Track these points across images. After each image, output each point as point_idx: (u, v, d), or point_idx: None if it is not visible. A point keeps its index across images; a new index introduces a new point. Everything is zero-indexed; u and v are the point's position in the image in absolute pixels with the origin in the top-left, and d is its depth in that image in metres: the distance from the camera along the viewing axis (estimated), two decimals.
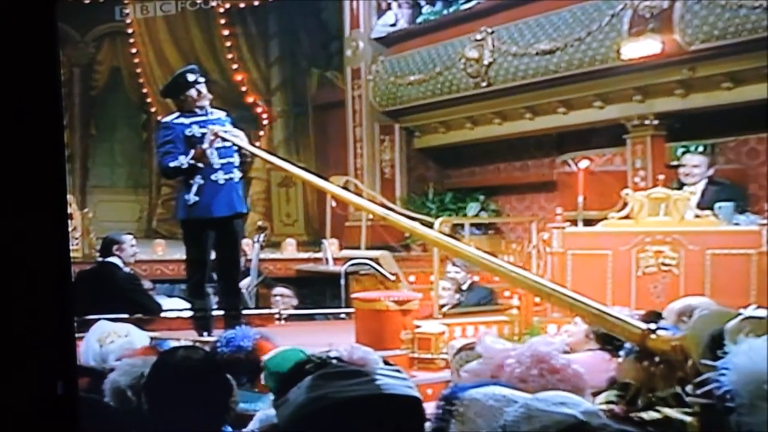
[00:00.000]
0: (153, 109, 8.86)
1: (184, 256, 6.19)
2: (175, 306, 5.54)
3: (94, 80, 9.16)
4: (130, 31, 8.48)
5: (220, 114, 4.24)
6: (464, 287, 4.94)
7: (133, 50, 8.59)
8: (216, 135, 4.01)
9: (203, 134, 4.06)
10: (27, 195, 1.60)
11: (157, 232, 8.74)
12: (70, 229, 5.78)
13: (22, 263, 1.60)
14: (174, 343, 2.61)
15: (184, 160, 4.05)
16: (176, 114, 4.15)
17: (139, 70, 8.67)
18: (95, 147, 9.34)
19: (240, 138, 4.10)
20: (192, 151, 4.03)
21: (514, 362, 1.80)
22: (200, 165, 4.04)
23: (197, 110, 4.12)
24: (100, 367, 2.68)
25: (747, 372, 1.25)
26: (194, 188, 4.06)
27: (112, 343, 2.75)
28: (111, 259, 4.72)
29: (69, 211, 5.92)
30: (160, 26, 8.32)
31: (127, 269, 4.83)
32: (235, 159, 4.14)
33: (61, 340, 1.65)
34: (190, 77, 4.15)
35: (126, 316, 4.17)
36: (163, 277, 6.59)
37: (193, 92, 4.10)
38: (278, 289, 5.82)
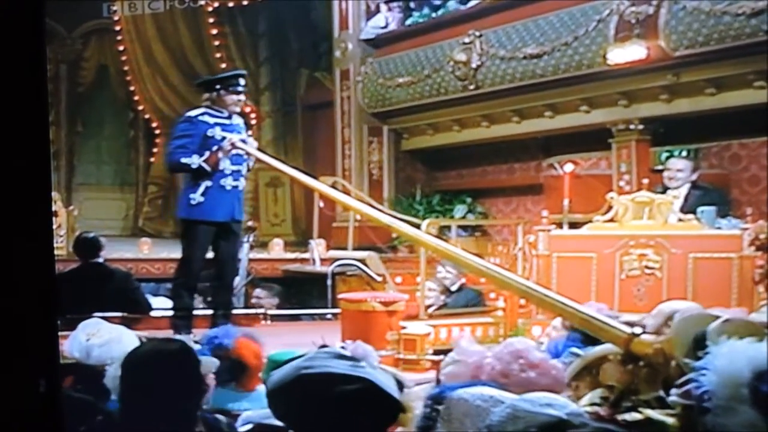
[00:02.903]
0: (140, 107, 8.83)
1: (170, 255, 6.21)
2: (160, 305, 5.54)
3: (81, 77, 9.10)
4: (117, 28, 8.44)
5: (239, 120, 4.24)
6: (453, 288, 4.98)
7: (121, 48, 8.55)
8: (233, 146, 4.02)
9: (223, 138, 4.06)
10: (11, 192, 1.60)
11: (143, 230, 8.71)
12: (54, 226, 5.75)
13: (6, 260, 1.60)
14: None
15: (196, 160, 4.03)
16: (202, 110, 4.13)
17: (126, 68, 8.63)
18: (81, 144, 9.29)
19: (254, 148, 4.11)
20: (207, 153, 4.03)
21: (493, 360, 1.83)
22: (209, 169, 4.04)
23: (224, 113, 4.12)
24: (83, 360, 2.69)
25: (726, 374, 1.27)
26: (201, 189, 4.06)
27: (99, 338, 2.75)
28: (98, 259, 4.70)
29: (54, 208, 5.89)
30: (149, 24, 8.28)
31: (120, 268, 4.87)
32: (244, 168, 4.15)
33: (44, 338, 1.65)
34: (242, 81, 4.17)
35: (114, 315, 4.17)
36: (149, 275, 6.57)
37: (234, 97, 4.11)
38: (257, 291, 5.84)
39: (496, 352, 1.86)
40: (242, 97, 4.17)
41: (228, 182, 4.09)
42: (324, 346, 1.56)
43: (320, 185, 4.08)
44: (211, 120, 4.10)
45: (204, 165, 4.03)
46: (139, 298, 4.77)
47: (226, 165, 4.06)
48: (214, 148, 4.03)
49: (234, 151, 4.05)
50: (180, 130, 4.15)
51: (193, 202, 4.10)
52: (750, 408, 1.24)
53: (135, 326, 3.88)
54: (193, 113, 4.16)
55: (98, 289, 4.40)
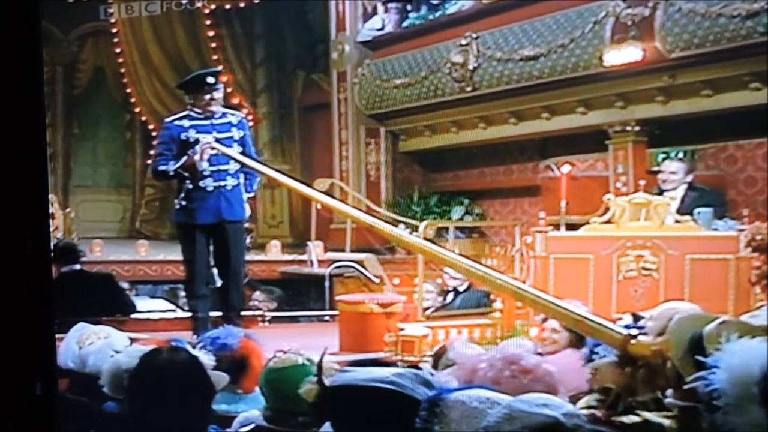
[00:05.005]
0: (137, 110, 8.82)
1: (167, 257, 6.21)
2: (157, 307, 5.53)
3: (77, 79, 9.09)
4: (114, 30, 8.43)
5: (232, 118, 4.17)
6: (461, 289, 4.98)
7: (117, 50, 8.54)
8: (210, 147, 3.97)
9: (197, 139, 4.02)
10: (8, 194, 1.60)
11: (140, 232, 8.71)
12: (51, 228, 5.73)
13: (2, 263, 1.60)
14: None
15: (171, 167, 4.03)
16: (181, 113, 4.13)
17: (123, 70, 8.62)
18: (78, 146, 9.28)
19: (234, 150, 4.03)
20: (183, 158, 4.01)
21: (486, 366, 1.83)
22: (186, 174, 4.02)
23: (204, 113, 4.09)
24: (79, 370, 2.66)
25: (737, 372, 1.27)
26: (183, 193, 4.09)
27: (91, 345, 2.72)
28: (76, 266, 4.63)
29: (51, 210, 5.87)
30: (145, 26, 8.28)
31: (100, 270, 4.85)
32: (231, 167, 4.06)
33: (40, 341, 1.64)
34: (209, 80, 4.11)
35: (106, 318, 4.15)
36: (146, 278, 6.58)
37: (207, 96, 4.06)
38: (256, 294, 5.84)
39: (491, 356, 1.86)
40: (215, 95, 4.09)
41: (209, 183, 4.03)
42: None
43: (303, 187, 4.00)
44: (187, 123, 4.08)
45: (179, 171, 4.02)
46: (124, 299, 4.74)
47: (204, 166, 4.01)
48: (190, 151, 4.01)
49: (212, 152, 3.99)
50: (159, 138, 4.21)
51: (177, 207, 4.14)
52: (759, 407, 1.24)
53: (129, 328, 3.87)
54: (169, 118, 4.17)
55: (81, 297, 4.33)
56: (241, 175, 4.12)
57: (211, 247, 4.20)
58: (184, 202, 4.08)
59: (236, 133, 4.12)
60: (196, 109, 4.11)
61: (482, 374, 1.80)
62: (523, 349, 1.91)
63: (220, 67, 4.52)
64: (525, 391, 1.45)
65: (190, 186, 4.04)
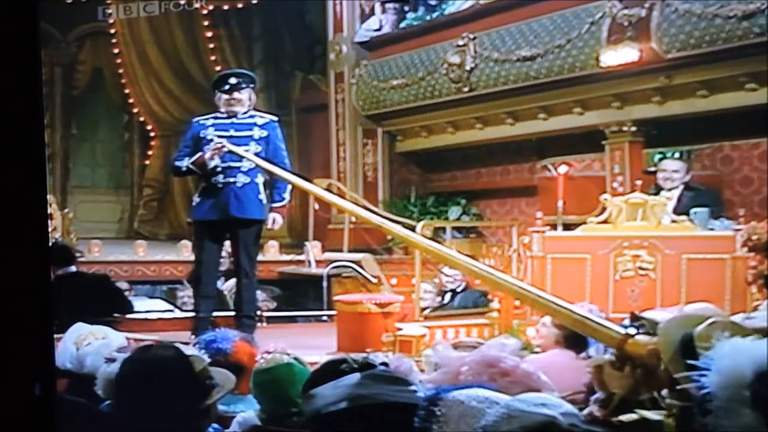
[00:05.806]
0: (135, 110, 8.82)
1: (165, 257, 6.21)
2: (156, 307, 5.53)
3: (75, 80, 9.10)
4: (112, 31, 8.44)
5: (260, 119, 4.15)
6: (458, 289, 4.99)
7: (116, 51, 8.55)
8: (222, 146, 3.98)
9: (212, 139, 4.05)
10: (6, 194, 1.60)
11: (138, 233, 8.70)
12: (50, 229, 5.74)
13: (1, 263, 1.60)
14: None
15: (185, 163, 4.09)
16: (210, 114, 4.16)
17: (121, 71, 8.63)
18: (76, 147, 9.28)
19: (245, 150, 4.01)
20: (196, 156, 4.04)
21: (468, 369, 1.84)
22: (197, 171, 4.06)
23: (228, 113, 4.10)
24: (77, 371, 2.67)
25: (728, 374, 1.26)
26: (198, 190, 4.14)
27: (88, 345, 2.71)
28: (71, 268, 4.60)
29: (49, 211, 5.88)
30: (143, 27, 8.29)
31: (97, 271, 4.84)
32: (243, 164, 4.03)
33: (39, 342, 1.64)
34: (231, 80, 4.12)
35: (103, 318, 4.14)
36: (144, 278, 6.58)
37: (226, 96, 4.08)
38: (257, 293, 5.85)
39: (471, 359, 1.87)
40: (237, 95, 4.10)
41: (219, 180, 4.04)
42: (364, 367, 1.55)
43: (313, 187, 4.05)
44: (210, 121, 4.13)
45: (192, 167, 4.06)
46: (121, 300, 4.73)
47: (214, 163, 4.03)
48: (205, 148, 4.05)
49: (224, 149, 4.00)
50: (183, 135, 4.31)
51: (193, 204, 4.20)
52: (751, 410, 1.24)
53: (127, 328, 3.87)
54: (196, 117, 4.24)
55: (77, 300, 4.32)
56: (259, 175, 4.09)
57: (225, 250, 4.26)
58: (198, 199, 4.12)
59: (257, 133, 4.11)
60: (221, 109, 4.15)
61: (464, 378, 1.80)
62: (507, 349, 1.92)
63: (250, 72, 4.50)
64: (507, 394, 1.46)
65: (204, 183, 4.08)
